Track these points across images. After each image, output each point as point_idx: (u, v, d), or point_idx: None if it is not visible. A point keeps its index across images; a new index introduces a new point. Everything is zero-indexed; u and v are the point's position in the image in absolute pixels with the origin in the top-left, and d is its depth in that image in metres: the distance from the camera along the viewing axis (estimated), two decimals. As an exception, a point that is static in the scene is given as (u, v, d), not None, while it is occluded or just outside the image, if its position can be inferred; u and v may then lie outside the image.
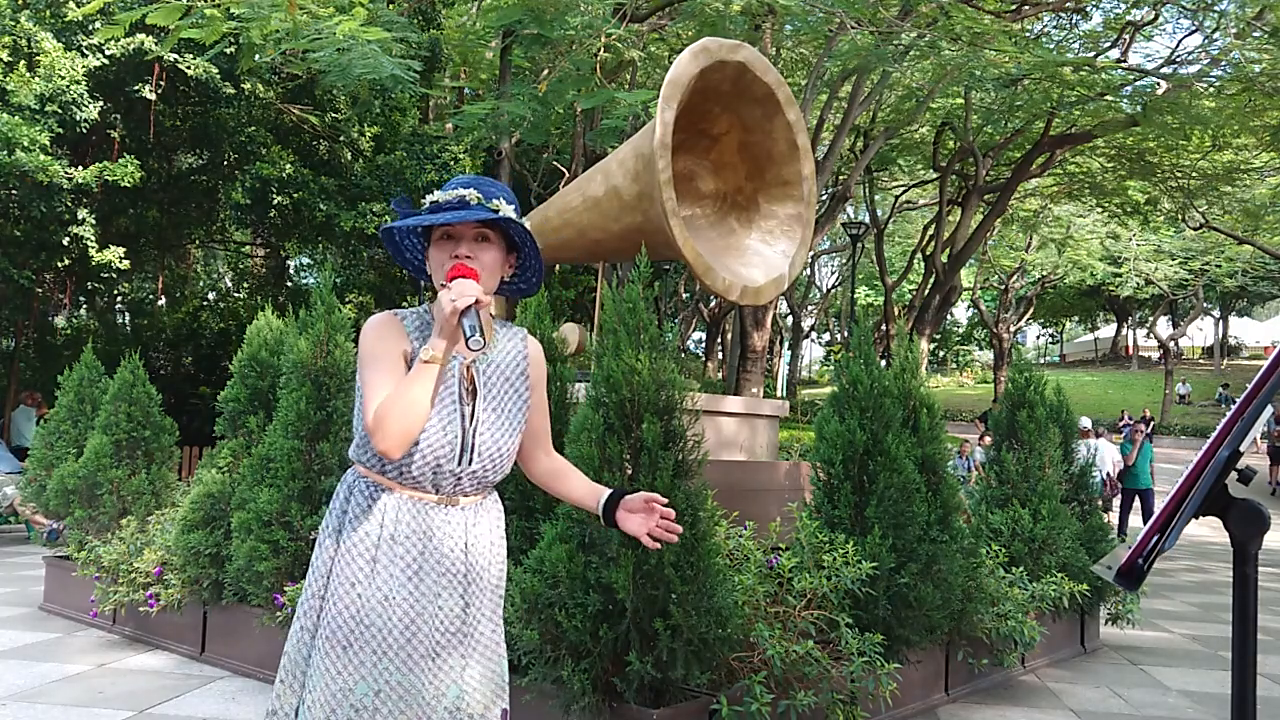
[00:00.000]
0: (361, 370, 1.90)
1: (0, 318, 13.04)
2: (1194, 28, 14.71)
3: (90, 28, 10.48)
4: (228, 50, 9.30)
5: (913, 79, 14.13)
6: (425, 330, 1.96)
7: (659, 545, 2.05)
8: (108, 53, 10.55)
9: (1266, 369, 1.36)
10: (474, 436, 1.93)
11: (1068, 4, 13.23)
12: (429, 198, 1.93)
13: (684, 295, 25.54)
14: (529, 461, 2.15)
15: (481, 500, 2.00)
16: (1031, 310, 35.69)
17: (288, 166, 11.72)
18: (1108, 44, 14.84)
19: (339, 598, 1.87)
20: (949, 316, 37.25)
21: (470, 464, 1.92)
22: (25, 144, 9.47)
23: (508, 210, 1.93)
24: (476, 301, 1.78)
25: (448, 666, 1.90)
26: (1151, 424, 31.44)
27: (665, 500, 2.04)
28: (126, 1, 9.50)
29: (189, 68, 10.93)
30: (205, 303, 18.16)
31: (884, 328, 21.73)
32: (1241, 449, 1.35)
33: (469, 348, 1.77)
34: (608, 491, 2.10)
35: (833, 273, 39.60)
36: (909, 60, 12.47)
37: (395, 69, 7.35)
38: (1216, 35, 13.67)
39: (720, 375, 24.91)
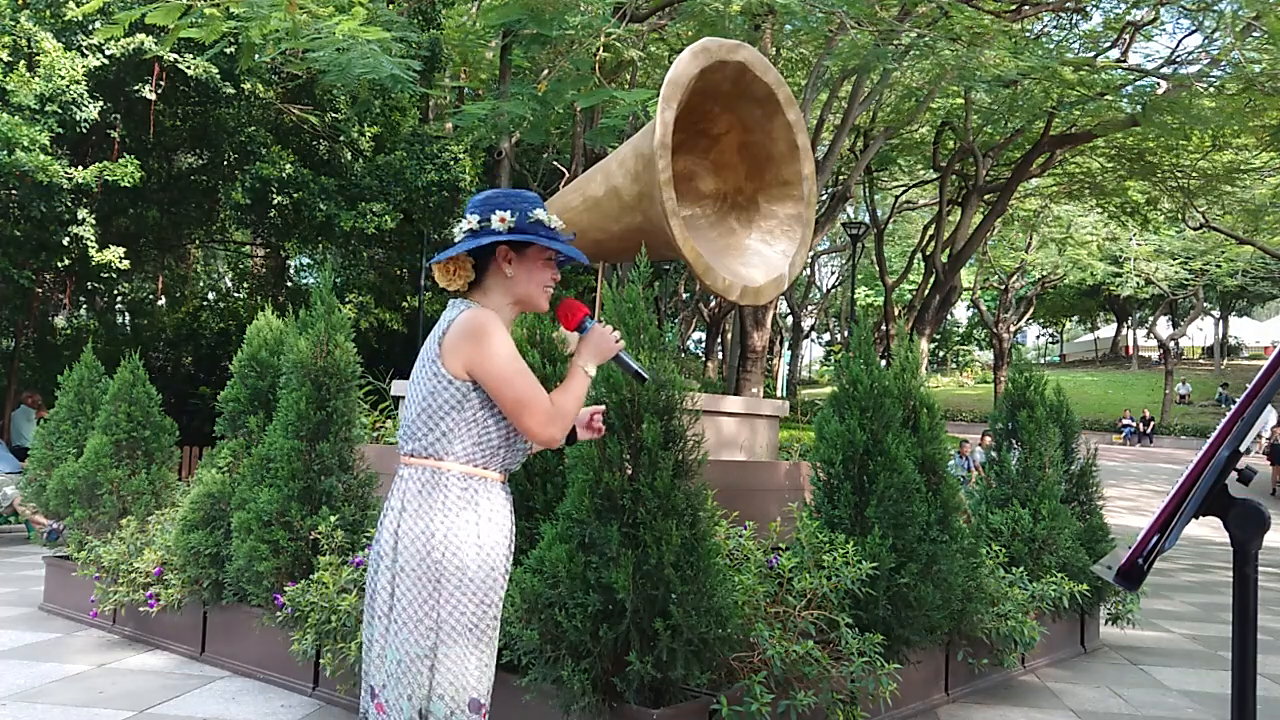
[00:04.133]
0: (504, 367, 2.11)
1: (0, 318, 13.04)
2: (1194, 28, 14.71)
3: (90, 27, 10.48)
4: (227, 50, 9.29)
5: (912, 79, 14.13)
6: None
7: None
8: (108, 53, 10.55)
9: (1266, 369, 1.36)
10: None
11: (1068, 4, 13.23)
12: (537, 213, 2.20)
13: (684, 295, 25.55)
14: None
15: None
16: (1031, 310, 35.69)
17: (288, 166, 11.71)
18: (1108, 44, 14.84)
19: (464, 587, 2.09)
20: (949, 316, 37.26)
21: (531, 444, 2.25)
22: (25, 144, 9.47)
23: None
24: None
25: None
26: (1151, 424, 31.50)
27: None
28: (126, 1, 9.50)
29: (189, 67, 10.93)
30: (205, 303, 18.16)
31: (884, 328, 21.74)
32: (1242, 449, 1.36)
33: (641, 383, 2.40)
34: None
35: (833, 273, 39.61)
36: (909, 60, 12.47)
37: (395, 69, 7.35)
38: (1216, 35, 13.67)
39: (720, 375, 24.90)
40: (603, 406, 2.49)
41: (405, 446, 2.17)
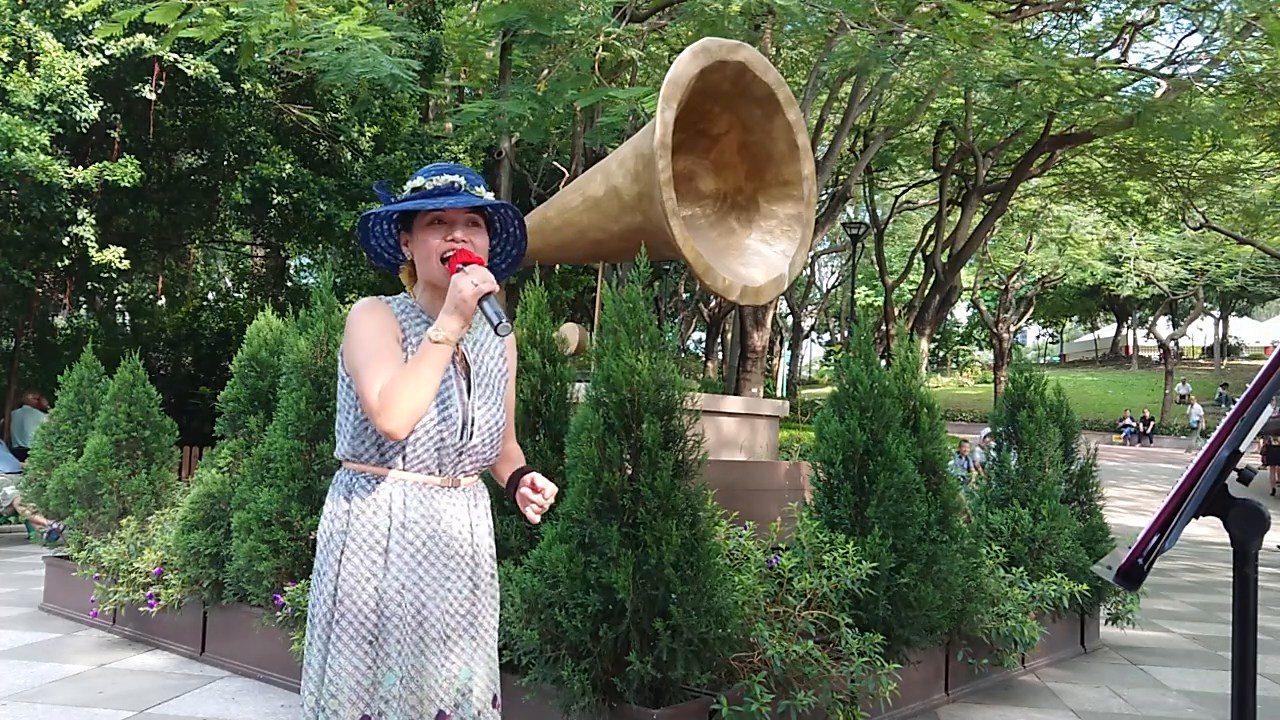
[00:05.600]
0: (355, 354, 1.87)
1: (0, 318, 13.04)
2: (1194, 28, 14.71)
3: (90, 27, 10.47)
4: (227, 50, 9.29)
5: (912, 79, 14.13)
6: (409, 315, 1.99)
7: (536, 518, 2.01)
8: (108, 52, 10.54)
9: (1266, 369, 1.36)
10: (473, 411, 1.98)
11: (1068, 4, 13.22)
12: (411, 184, 1.97)
13: (684, 295, 25.54)
14: None
15: (478, 482, 2.05)
16: (1031, 310, 35.70)
17: (288, 166, 11.71)
18: (1108, 44, 14.84)
19: (356, 594, 1.88)
20: (949, 316, 37.25)
21: (471, 438, 1.96)
22: (25, 144, 9.46)
23: (489, 196, 1.99)
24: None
25: (459, 649, 1.93)
26: (1151, 424, 31.51)
27: (542, 485, 2.01)
28: (126, 0, 9.49)
29: (189, 67, 10.93)
30: (205, 303, 18.14)
31: (884, 328, 21.73)
32: (1242, 449, 1.36)
33: (499, 334, 1.84)
34: (514, 469, 2.10)
35: (833, 273, 39.62)
36: (908, 61, 12.47)
37: (395, 68, 7.35)
38: (1216, 36, 13.67)
39: (720, 375, 24.90)
40: (549, 488, 2.01)
41: None
